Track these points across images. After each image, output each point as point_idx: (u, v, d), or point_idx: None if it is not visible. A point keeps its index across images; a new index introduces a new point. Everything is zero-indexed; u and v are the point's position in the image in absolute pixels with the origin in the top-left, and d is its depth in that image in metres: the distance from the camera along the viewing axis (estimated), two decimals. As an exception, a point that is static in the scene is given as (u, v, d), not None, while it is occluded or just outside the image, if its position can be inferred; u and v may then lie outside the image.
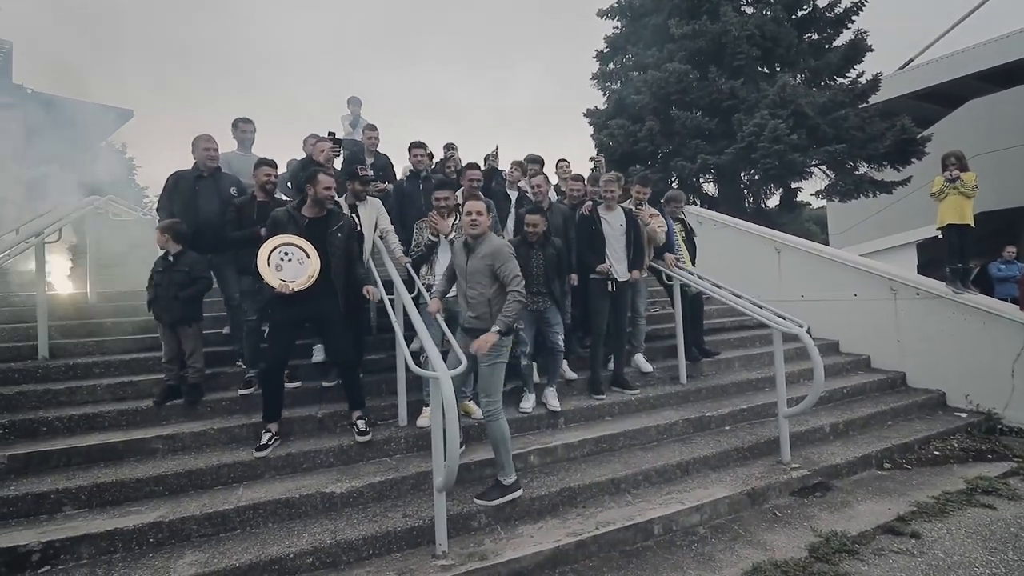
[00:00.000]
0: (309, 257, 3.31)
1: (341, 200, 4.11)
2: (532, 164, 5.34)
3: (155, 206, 4.65)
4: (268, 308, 3.50)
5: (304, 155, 4.91)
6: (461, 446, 3.40)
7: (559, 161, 6.18)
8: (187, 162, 4.18)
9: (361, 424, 3.50)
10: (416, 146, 5.17)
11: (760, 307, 4.18)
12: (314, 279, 3.29)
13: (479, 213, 3.20)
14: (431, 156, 5.56)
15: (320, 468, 3.35)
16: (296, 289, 3.22)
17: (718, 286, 4.66)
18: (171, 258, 3.69)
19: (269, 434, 3.38)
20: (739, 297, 4.42)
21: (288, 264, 3.26)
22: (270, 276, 3.20)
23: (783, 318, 3.92)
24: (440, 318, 3.43)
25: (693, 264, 5.29)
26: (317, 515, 2.97)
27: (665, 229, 4.87)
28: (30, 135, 12.91)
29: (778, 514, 3.27)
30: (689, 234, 5.43)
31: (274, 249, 3.26)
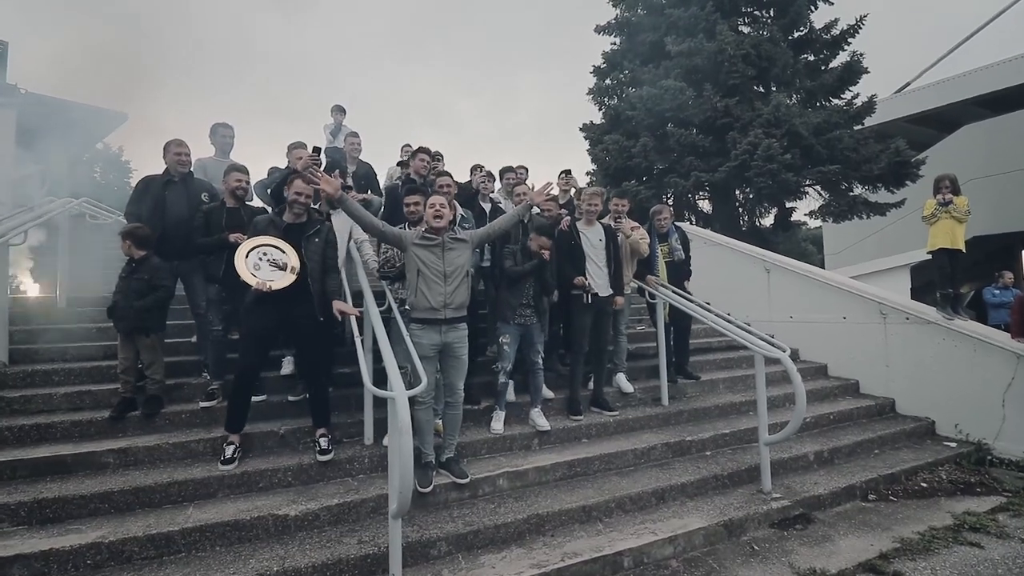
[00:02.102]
0: (288, 257, 3.25)
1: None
2: (507, 173, 5.29)
3: None
4: (242, 315, 3.37)
5: (288, 163, 4.80)
6: (434, 471, 3.27)
7: (513, 168, 5.90)
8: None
9: (324, 442, 3.36)
10: (421, 151, 5.07)
11: (743, 328, 4.06)
12: (294, 278, 3.21)
13: (442, 205, 3.13)
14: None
15: (277, 488, 3.19)
16: (275, 288, 3.13)
17: (702, 305, 4.55)
18: (133, 264, 3.56)
19: (233, 446, 3.25)
20: (719, 316, 4.30)
21: (267, 264, 3.18)
22: (248, 276, 3.10)
23: (766, 341, 3.80)
24: (409, 341, 3.31)
25: (686, 281, 5.17)
26: (268, 539, 2.81)
27: (647, 240, 4.77)
28: (22, 136, 12.83)
29: (756, 548, 3.12)
30: (684, 247, 5.20)
31: (252, 249, 3.19)
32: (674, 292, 4.72)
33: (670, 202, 13.33)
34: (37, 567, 2.50)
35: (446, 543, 2.85)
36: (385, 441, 3.55)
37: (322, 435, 3.41)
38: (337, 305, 3.35)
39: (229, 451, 3.23)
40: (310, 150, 4.38)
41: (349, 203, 3.17)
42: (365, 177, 5.28)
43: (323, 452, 3.32)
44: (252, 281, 3.11)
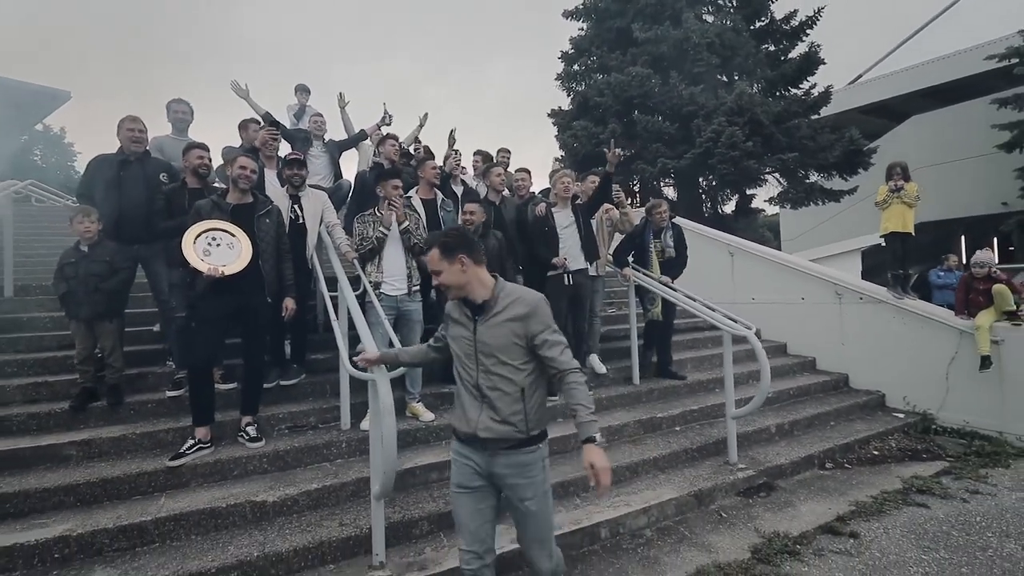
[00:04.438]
0: (238, 240, 3.12)
1: (281, 191, 3.91)
2: (476, 156, 5.32)
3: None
4: (194, 303, 3.23)
5: (241, 141, 4.65)
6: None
7: (500, 151, 5.94)
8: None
9: (251, 431, 3.30)
10: (389, 138, 5.00)
11: (712, 309, 4.21)
12: (247, 261, 3.10)
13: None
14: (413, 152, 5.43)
15: (253, 475, 3.14)
16: (228, 273, 3.01)
17: (671, 287, 4.68)
18: (85, 248, 3.38)
19: (192, 441, 3.11)
20: (693, 300, 4.43)
21: (217, 249, 3.05)
22: (198, 262, 2.97)
23: (734, 321, 3.95)
24: (386, 321, 3.28)
25: (677, 275, 4.98)
26: (246, 526, 2.77)
27: (629, 213, 4.82)
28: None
29: (724, 515, 3.28)
30: (680, 244, 5.02)
31: (200, 235, 3.05)
32: (645, 275, 4.81)
33: (637, 188, 13.56)
34: (1, 563, 2.40)
35: (427, 522, 2.88)
36: (362, 425, 3.55)
37: (248, 424, 3.33)
38: (288, 303, 3.36)
39: (185, 445, 3.08)
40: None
41: None
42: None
43: (253, 440, 3.25)
44: (203, 267, 2.98)
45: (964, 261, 16.10)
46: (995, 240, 18.80)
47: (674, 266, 4.98)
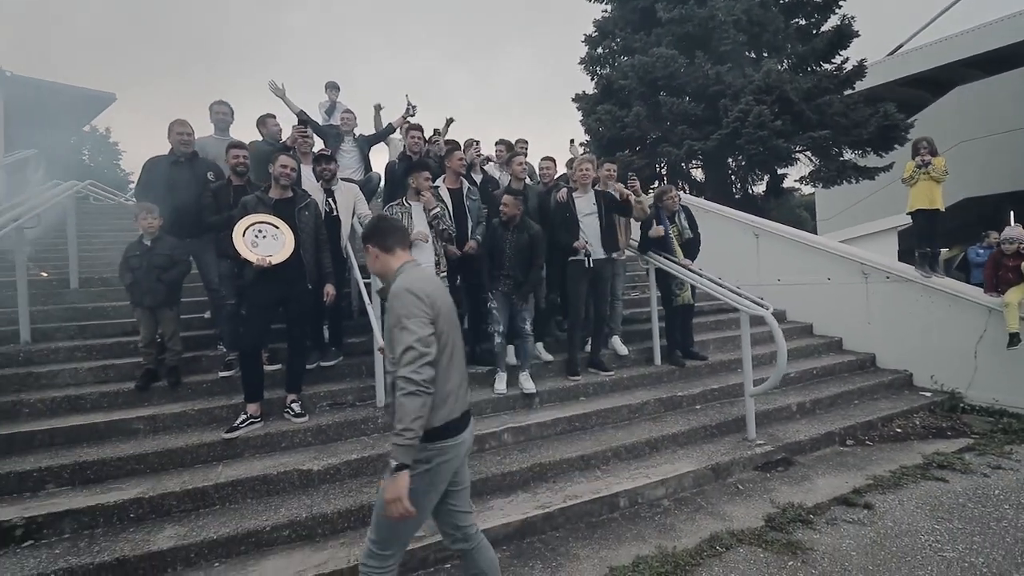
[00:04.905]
0: (282, 232, 3.41)
1: (316, 186, 4.16)
2: (499, 146, 5.46)
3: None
4: (245, 290, 3.56)
5: (262, 136, 4.85)
6: None
7: (518, 141, 5.99)
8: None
9: (296, 407, 3.61)
10: (413, 128, 5.18)
11: (731, 290, 4.29)
12: (291, 251, 3.40)
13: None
14: (427, 140, 5.60)
15: (299, 447, 3.44)
16: (275, 262, 3.32)
17: (695, 271, 4.75)
18: (148, 242, 3.72)
19: (244, 416, 3.45)
20: (710, 280, 4.51)
21: (264, 241, 3.36)
22: (248, 253, 3.28)
23: (752, 301, 4.03)
24: None
25: (693, 260, 4.99)
26: (294, 491, 3.07)
27: (644, 201, 4.92)
28: (10, 120, 12.68)
29: (740, 487, 3.41)
30: (692, 226, 5.10)
31: (248, 228, 3.35)
32: (667, 258, 4.89)
33: (663, 171, 13.44)
34: (85, 521, 2.75)
35: (457, 490, 3.11)
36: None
37: (293, 401, 3.64)
38: (328, 289, 3.63)
39: (239, 419, 3.41)
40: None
41: None
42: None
43: (298, 415, 3.57)
44: (252, 257, 3.29)
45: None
46: (1047, 215, 17.89)
47: (692, 248, 5.04)
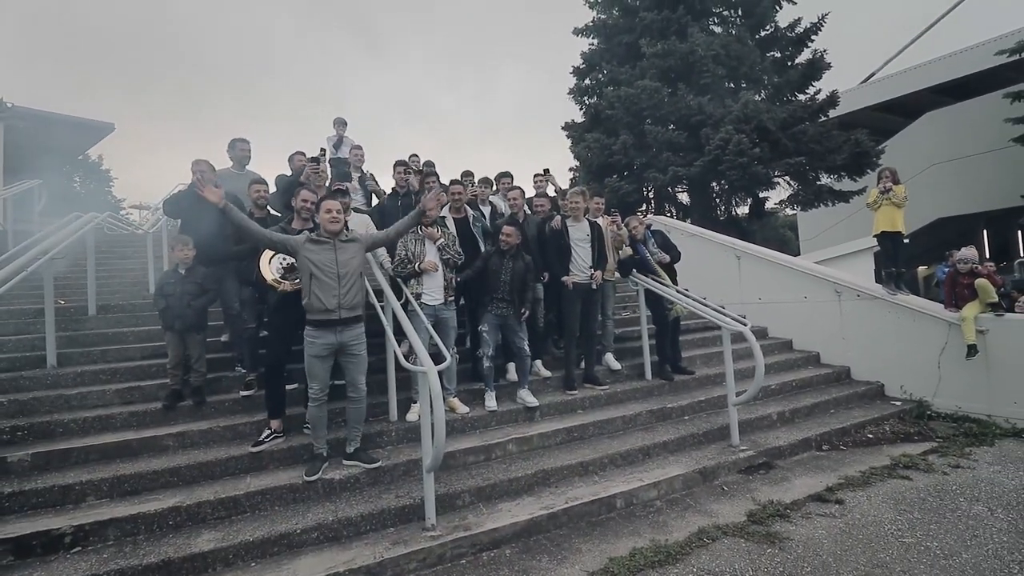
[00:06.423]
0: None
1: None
2: (504, 178, 5.83)
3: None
4: (268, 314, 3.86)
5: (291, 171, 5.28)
6: (324, 463, 3.52)
7: (501, 175, 6.25)
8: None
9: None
10: (399, 164, 5.57)
11: (714, 309, 4.67)
12: None
13: (338, 211, 3.43)
14: (417, 172, 5.97)
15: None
16: (292, 290, 3.61)
17: (679, 291, 5.15)
18: (182, 271, 4.04)
19: (268, 431, 3.72)
20: (695, 299, 4.90)
21: (285, 269, 3.67)
22: (271, 279, 3.61)
23: (732, 318, 4.41)
24: (430, 327, 3.84)
25: (674, 280, 5.40)
26: (319, 498, 3.33)
27: (624, 232, 5.35)
28: (9, 151, 12.95)
29: (725, 488, 3.73)
30: (667, 248, 5.48)
31: (272, 257, 3.67)
32: (653, 280, 5.29)
33: (650, 195, 14.00)
34: (128, 528, 2.99)
35: (469, 495, 3.41)
36: (408, 417, 4.12)
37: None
38: None
39: (264, 435, 3.69)
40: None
41: (232, 213, 3.39)
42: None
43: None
44: (281, 284, 3.61)
45: (987, 255, 16.08)
46: (1019, 233, 18.70)
47: (669, 269, 5.43)
